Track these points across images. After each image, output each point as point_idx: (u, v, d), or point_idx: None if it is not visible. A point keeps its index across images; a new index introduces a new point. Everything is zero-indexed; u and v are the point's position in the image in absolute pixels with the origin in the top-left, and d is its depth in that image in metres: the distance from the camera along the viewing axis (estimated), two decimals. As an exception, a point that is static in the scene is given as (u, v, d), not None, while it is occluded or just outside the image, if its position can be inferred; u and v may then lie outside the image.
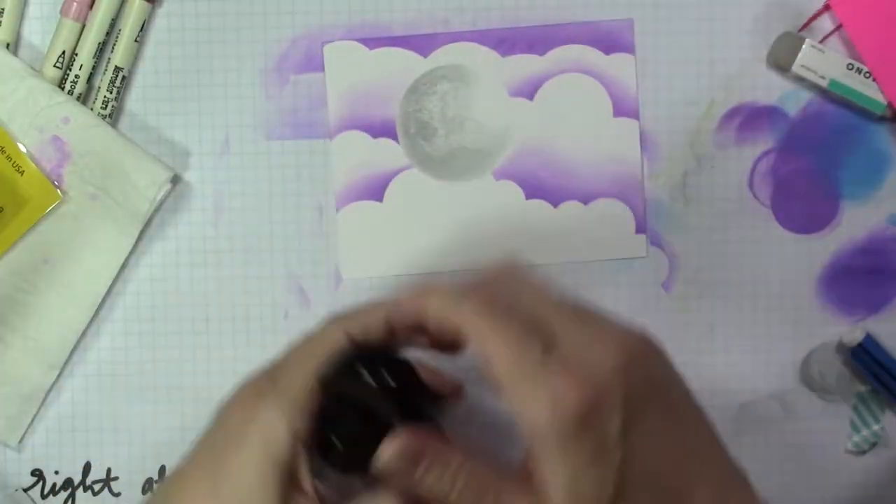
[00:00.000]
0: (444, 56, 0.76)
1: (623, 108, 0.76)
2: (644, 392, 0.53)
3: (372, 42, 0.76)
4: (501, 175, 0.76)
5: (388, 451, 0.55)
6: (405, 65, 0.76)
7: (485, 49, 0.76)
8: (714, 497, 0.54)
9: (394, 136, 0.76)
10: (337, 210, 0.76)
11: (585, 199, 0.76)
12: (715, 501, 0.54)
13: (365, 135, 0.76)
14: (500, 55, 0.76)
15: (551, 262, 0.76)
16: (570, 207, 0.77)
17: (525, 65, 0.76)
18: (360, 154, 0.76)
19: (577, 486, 0.51)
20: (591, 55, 0.76)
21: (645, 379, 0.53)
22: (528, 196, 0.76)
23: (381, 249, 0.76)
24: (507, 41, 0.76)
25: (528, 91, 0.76)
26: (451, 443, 0.56)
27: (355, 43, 0.76)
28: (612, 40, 0.76)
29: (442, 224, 0.76)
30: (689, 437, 0.54)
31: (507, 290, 0.57)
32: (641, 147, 0.76)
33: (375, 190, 0.76)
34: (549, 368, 0.52)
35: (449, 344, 0.58)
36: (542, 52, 0.76)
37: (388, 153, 0.76)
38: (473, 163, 0.76)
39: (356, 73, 0.76)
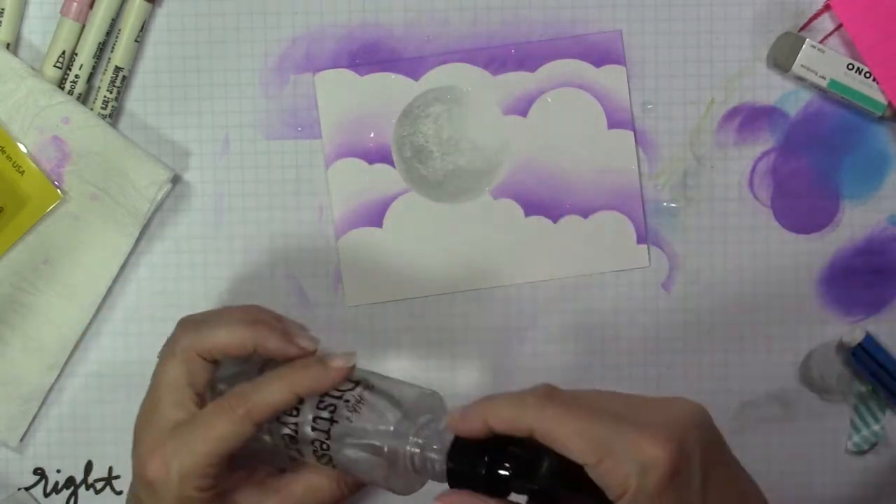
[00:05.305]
0: (435, 78, 0.76)
1: (617, 120, 0.76)
2: (712, 449, 0.57)
3: (363, 68, 0.75)
4: (499, 193, 0.76)
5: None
6: (397, 89, 0.76)
7: (476, 69, 0.76)
8: None
9: (390, 161, 0.76)
10: (336, 238, 0.76)
11: (585, 213, 0.76)
12: None
13: (361, 161, 0.76)
14: (491, 74, 0.76)
15: (554, 278, 0.76)
16: (570, 222, 0.76)
17: (517, 82, 0.76)
18: (356, 181, 0.76)
19: None
20: (581, 69, 0.76)
21: (711, 438, 0.57)
22: (528, 213, 0.76)
23: (384, 275, 0.76)
24: (497, 59, 0.76)
25: (522, 108, 0.76)
26: None
27: (346, 70, 0.75)
28: (601, 53, 0.76)
29: (443, 246, 0.76)
30: (742, 486, 0.59)
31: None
32: (639, 150, 0.76)
33: (374, 216, 0.76)
34: (629, 435, 0.55)
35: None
36: (533, 69, 0.76)
37: (385, 178, 0.76)
38: (471, 183, 0.76)
39: (348, 101, 0.75)
